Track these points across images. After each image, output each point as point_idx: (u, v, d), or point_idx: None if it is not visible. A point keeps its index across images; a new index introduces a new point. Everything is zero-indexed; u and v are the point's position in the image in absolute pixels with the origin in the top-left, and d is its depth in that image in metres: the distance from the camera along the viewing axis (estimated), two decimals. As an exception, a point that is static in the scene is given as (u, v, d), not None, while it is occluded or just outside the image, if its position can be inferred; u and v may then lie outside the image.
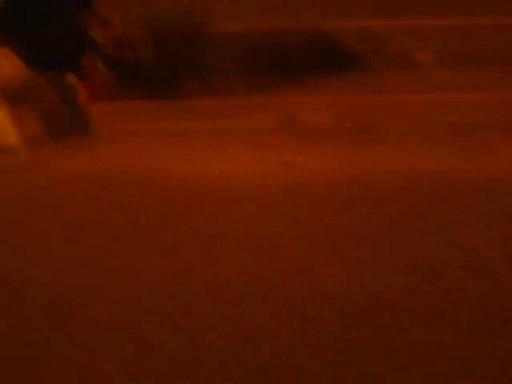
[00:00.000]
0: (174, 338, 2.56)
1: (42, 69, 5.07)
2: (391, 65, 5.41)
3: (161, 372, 2.38)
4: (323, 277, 2.98)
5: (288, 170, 4.29)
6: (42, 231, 3.64)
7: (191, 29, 5.37)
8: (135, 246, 3.38)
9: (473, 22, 5.62)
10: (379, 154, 4.42)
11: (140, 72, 5.45)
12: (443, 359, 2.37)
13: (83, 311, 2.80)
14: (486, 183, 3.88)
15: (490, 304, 2.68)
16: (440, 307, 2.68)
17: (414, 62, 5.39)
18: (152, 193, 4.11)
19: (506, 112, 4.79)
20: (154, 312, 2.75)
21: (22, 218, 3.84)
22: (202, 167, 4.43)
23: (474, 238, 3.27)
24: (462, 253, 3.14)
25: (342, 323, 2.61)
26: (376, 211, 3.64)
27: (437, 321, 2.59)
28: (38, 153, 4.87)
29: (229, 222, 3.59)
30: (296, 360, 2.39)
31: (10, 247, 3.48)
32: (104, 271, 3.15)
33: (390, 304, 2.73)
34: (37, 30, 5.05)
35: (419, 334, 2.52)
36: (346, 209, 3.69)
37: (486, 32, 5.62)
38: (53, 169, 4.62)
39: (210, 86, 5.35)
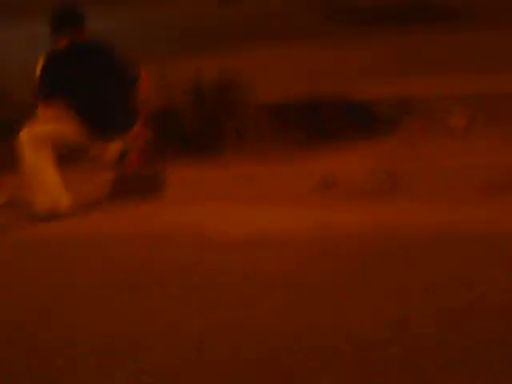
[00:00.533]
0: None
1: (96, 135, 5.41)
2: (424, 123, 5.66)
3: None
4: (360, 325, 3.20)
5: (324, 225, 4.54)
6: (94, 284, 4.01)
7: (233, 93, 5.71)
8: (184, 302, 3.71)
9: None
10: (412, 209, 4.69)
11: (183, 135, 5.77)
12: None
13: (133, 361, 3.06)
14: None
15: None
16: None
17: (448, 122, 5.64)
18: (197, 250, 4.43)
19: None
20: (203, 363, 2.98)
21: (75, 276, 4.18)
22: (242, 226, 4.71)
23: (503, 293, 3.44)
24: (490, 306, 3.33)
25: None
26: (405, 263, 3.89)
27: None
28: (91, 215, 5.24)
29: (268, 278, 3.87)
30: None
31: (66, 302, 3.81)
32: (153, 324, 3.43)
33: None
34: (88, 99, 5.41)
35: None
36: (378, 261, 3.97)
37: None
38: (103, 230, 4.95)
39: (251, 147, 5.66)
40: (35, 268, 4.43)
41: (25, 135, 5.29)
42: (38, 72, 5.51)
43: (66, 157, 5.46)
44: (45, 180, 5.24)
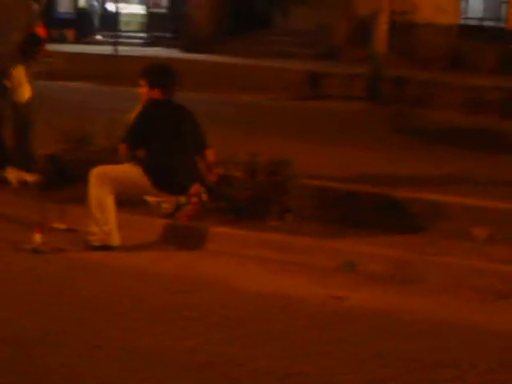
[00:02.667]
0: None
1: (159, 188, 6.07)
2: (448, 234, 6.16)
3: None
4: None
5: (338, 303, 5.13)
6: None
7: (283, 176, 6.34)
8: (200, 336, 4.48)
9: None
10: (416, 301, 5.24)
11: (233, 206, 6.42)
12: None
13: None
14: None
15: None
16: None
17: (470, 236, 6.12)
18: (221, 299, 5.11)
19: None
20: None
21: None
22: (266, 288, 5.33)
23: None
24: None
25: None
26: (401, 346, 4.49)
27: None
28: (135, 253, 5.90)
29: (277, 337, 4.57)
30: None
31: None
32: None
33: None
34: (163, 154, 6.07)
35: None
36: (373, 338, 4.60)
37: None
38: (142, 268, 5.64)
39: (289, 225, 6.26)
40: (73, 284, 5.23)
41: (95, 171, 5.99)
42: (131, 119, 6.18)
43: (126, 199, 6.16)
44: (102, 214, 5.88)
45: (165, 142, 6.10)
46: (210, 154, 6.37)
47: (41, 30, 7.06)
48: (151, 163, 6.06)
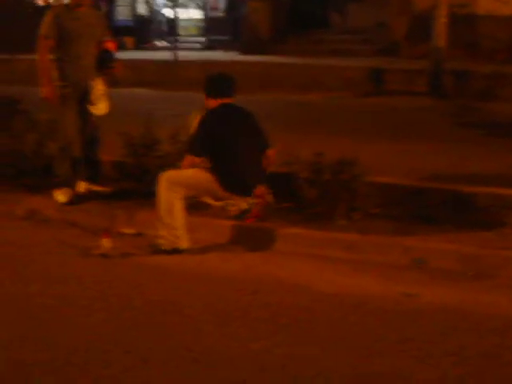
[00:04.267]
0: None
1: (227, 190, 6.06)
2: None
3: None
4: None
5: (411, 300, 5.04)
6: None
7: (350, 174, 6.29)
8: (271, 337, 4.45)
9: None
10: (489, 297, 5.12)
11: (299, 205, 6.40)
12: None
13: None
14: None
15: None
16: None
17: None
18: (292, 299, 5.04)
19: None
20: None
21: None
22: (337, 287, 5.27)
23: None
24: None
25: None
26: (478, 343, 4.38)
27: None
28: (205, 256, 5.90)
29: (349, 336, 4.50)
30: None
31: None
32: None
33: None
34: (229, 158, 6.06)
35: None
36: (447, 335, 4.51)
37: None
38: (211, 270, 5.64)
39: (357, 224, 6.20)
40: (143, 288, 5.24)
41: (164, 175, 6.01)
42: (192, 128, 6.19)
43: (193, 202, 6.17)
44: (172, 218, 5.91)
45: (230, 145, 6.10)
46: (272, 154, 6.34)
47: (111, 45, 7.01)
48: (219, 168, 6.06)
